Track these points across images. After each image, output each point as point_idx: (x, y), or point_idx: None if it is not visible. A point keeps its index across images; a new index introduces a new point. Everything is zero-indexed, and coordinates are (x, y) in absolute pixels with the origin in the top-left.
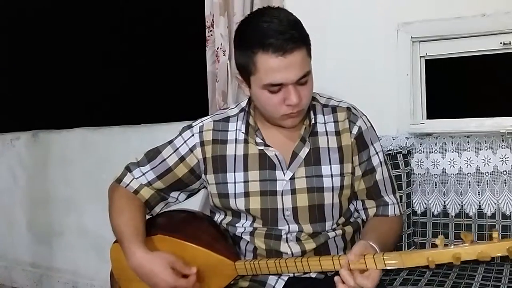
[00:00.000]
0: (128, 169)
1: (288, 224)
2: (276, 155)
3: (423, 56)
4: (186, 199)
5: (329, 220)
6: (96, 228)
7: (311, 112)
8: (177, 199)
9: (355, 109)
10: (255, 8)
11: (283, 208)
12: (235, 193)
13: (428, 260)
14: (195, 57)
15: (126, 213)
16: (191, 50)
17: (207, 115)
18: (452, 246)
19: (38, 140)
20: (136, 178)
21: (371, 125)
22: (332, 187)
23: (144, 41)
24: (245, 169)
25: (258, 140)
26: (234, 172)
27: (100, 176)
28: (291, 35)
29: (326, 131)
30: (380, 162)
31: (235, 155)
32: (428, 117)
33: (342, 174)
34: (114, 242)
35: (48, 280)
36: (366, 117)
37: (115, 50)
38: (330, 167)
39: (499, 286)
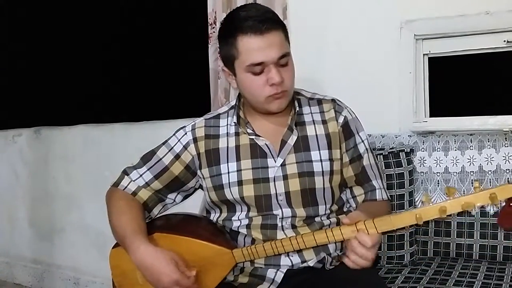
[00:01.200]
0: (125, 172)
1: (281, 209)
2: (266, 144)
3: (426, 54)
4: (182, 200)
5: (321, 204)
6: (97, 224)
7: (296, 103)
8: (174, 200)
9: (340, 101)
10: (250, 8)
11: (276, 194)
12: (229, 183)
13: (416, 217)
14: (198, 54)
15: (126, 213)
16: (194, 47)
17: (209, 111)
18: (437, 202)
19: (40, 136)
20: (134, 181)
21: (356, 116)
22: (322, 171)
23: (146, 38)
24: (238, 158)
25: (249, 130)
26: (227, 162)
27: (102, 173)
28: (266, 17)
29: (313, 120)
30: (366, 149)
31: (227, 147)
32: (431, 115)
33: (331, 159)
34: (113, 248)
35: (50, 277)
36: (350, 109)
37: (117, 47)
38: (319, 153)
39: (501, 284)
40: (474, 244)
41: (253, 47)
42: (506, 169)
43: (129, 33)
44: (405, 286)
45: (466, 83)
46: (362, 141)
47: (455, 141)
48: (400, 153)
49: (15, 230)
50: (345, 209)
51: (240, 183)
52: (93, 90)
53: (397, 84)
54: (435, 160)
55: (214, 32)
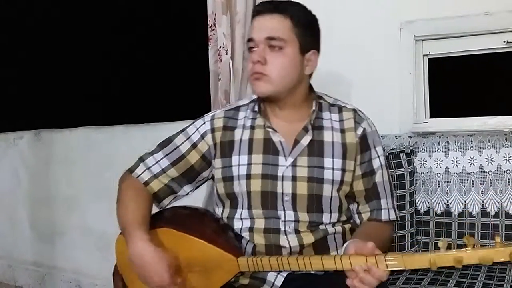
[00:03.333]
0: (141, 159)
1: (285, 211)
2: (280, 141)
3: (426, 55)
4: (193, 190)
5: (326, 211)
6: (99, 227)
7: (314, 104)
8: (187, 193)
9: (361, 112)
10: None
11: (282, 193)
12: (238, 175)
13: (430, 263)
14: (198, 56)
15: (133, 203)
16: (194, 49)
17: (211, 112)
18: (454, 250)
19: (41, 139)
20: (149, 168)
21: (376, 129)
22: (332, 180)
23: (146, 40)
24: (250, 152)
25: (267, 123)
26: (239, 155)
27: (103, 175)
28: (276, 4)
29: (332, 126)
30: (381, 165)
31: (241, 139)
32: (431, 116)
33: (343, 170)
34: (120, 234)
35: (51, 279)
36: (371, 121)
37: (117, 49)
38: (333, 161)
39: (502, 285)
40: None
41: (253, 25)
42: (507, 170)
43: (129, 36)
44: (406, 287)
45: (466, 83)
46: (378, 156)
47: (455, 142)
48: (401, 154)
49: (17, 233)
50: (352, 220)
51: (248, 176)
52: (94, 93)
53: (397, 85)
54: (435, 161)
55: (214, 34)
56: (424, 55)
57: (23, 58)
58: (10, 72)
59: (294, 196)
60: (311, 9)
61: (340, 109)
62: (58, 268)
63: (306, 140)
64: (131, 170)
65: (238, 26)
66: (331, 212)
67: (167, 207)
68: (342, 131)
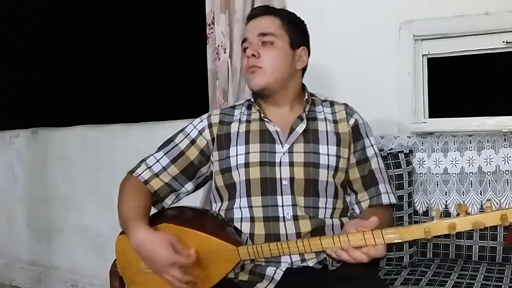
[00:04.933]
0: (142, 160)
1: (282, 195)
2: (276, 131)
3: (426, 55)
4: (194, 189)
5: (322, 196)
6: (95, 226)
7: (309, 97)
8: (188, 191)
9: (351, 106)
10: (256, 5)
11: (281, 178)
12: (237, 165)
13: (425, 232)
14: (196, 54)
15: (133, 200)
16: (192, 47)
17: (208, 112)
18: (447, 218)
19: (38, 137)
20: (150, 167)
21: (366, 122)
22: (328, 165)
23: (144, 39)
24: (247, 142)
25: (262, 115)
26: (236, 146)
27: (99, 174)
28: (266, 7)
29: (325, 118)
30: (375, 153)
31: (237, 132)
32: (430, 116)
33: (338, 156)
34: (120, 234)
35: (48, 278)
36: (360, 114)
37: (115, 48)
38: (327, 147)
39: (500, 285)
40: (474, 246)
41: (246, 29)
42: (506, 170)
43: (127, 34)
44: (404, 287)
45: (465, 83)
46: (371, 145)
47: (454, 142)
48: (399, 154)
49: (13, 232)
50: (348, 214)
51: (247, 165)
52: (91, 91)
53: (396, 84)
54: (434, 161)
55: (212, 32)
56: (423, 55)
57: (20, 56)
58: (7, 70)
59: (292, 180)
60: (310, 8)
61: (332, 104)
62: (54, 267)
63: (301, 127)
64: (132, 171)
65: (236, 24)
66: (326, 197)
67: (167, 207)
68: (335, 121)
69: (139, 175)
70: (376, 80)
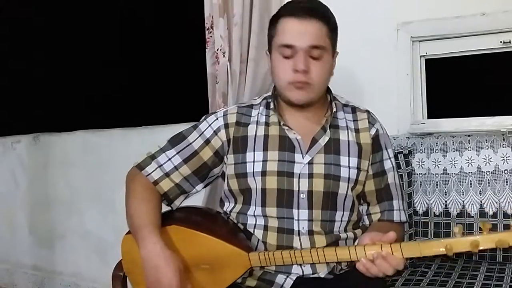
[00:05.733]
0: (152, 157)
1: (299, 209)
2: (297, 139)
3: (423, 56)
4: (203, 188)
5: (340, 210)
6: (97, 230)
7: (333, 105)
8: (197, 192)
9: (373, 114)
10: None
11: (299, 191)
12: (253, 172)
13: (447, 248)
14: (195, 58)
15: (146, 202)
16: (191, 51)
17: (223, 109)
18: (470, 236)
19: (39, 143)
20: (161, 166)
21: (386, 132)
22: (348, 178)
23: (144, 43)
24: (265, 148)
25: (282, 121)
26: (254, 151)
27: (101, 178)
28: (311, 7)
29: (347, 126)
30: (392, 167)
31: (255, 135)
32: (429, 116)
33: (358, 168)
34: (126, 234)
35: (50, 283)
36: (381, 123)
37: (115, 52)
38: (349, 159)
39: (501, 285)
40: None
41: (288, 28)
42: (505, 170)
43: (127, 38)
44: None
45: (463, 84)
46: (389, 158)
47: (453, 142)
48: (399, 154)
49: (15, 237)
50: (361, 224)
51: (264, 173)
52: (92, 96)
53: (394, 85)
54: (433, 162)
55: (211, 36)
56: (421, 56)
57: (21, 62)
58: (8, 76)
59: (310, 193)
60: None
61: (354, 110)
62: (57, 272)
63: (323, 140)
64: (141, 167)
65: (235, 28)
66: (343, 211)
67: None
68: (357, 130)
69: (149, 174)
70: (374, 81)
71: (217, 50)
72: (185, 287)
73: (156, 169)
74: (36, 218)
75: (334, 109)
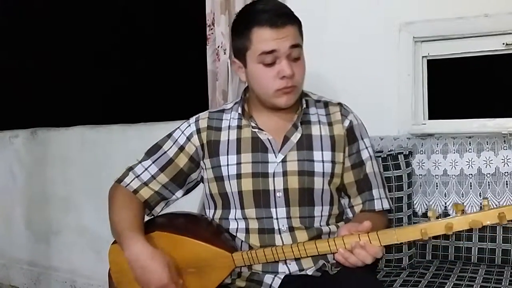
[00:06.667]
0: (129, 169)
1: (277, 208)
2: (268, 139)
3: (425, 56)
4: (184, 195)
5: (318, 205)
6: (94, 227)
7: (303, 101)
8: (178, 198)
9: (346, 106)
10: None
11: (274, 190)
12: (228, 175)
13: (422, 233)
14: (196, 55)
15: (126, 210)
16: (192, 48)
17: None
18: (443, 218)
19: (37, 138)
20: (138, 176)
21: (362, 122)
22: (323, 172)
23: (144, 39)
24: (238, 151)
25: (253, 124)
26: (227, 155)
27: (99, 174)
28: (283, 12)
29: (319, 120)
30: (370, 156)
31: (228, 139)
32: (430, 117)
33: (333, 162)
34: (113, 243)
35: (46, 279)
36: (356, 114)
37: (115, 48)
38: (322, 153)
39: (499, 287)
40: (473, 247)
41: (266, 37)
42: (505, 172)
43: (126, 35)
44: None
45: (465, 85)
46: (366, 147)
47: (454, 144)
48: (399, 155)
49: (12, 232)
50: (344, 217)
51: (239, 176)
52: (90, 91)
53: (396, 86)
54: (433, 163)
55: (212, 33)
56: (423, 57)
57: (19, 56)
58: (6, 70)
59: (286, 191)
60: (309, 9)
61: (326, 104)
62: (53, 268)
63: (295, 137)
64: (120, 180)
65: None
66: (322, 205)
67: (160, 214)
68: (330, 124)
69: (128, 184)
70: (375, 81)
71: (218, 47)
72: (177, 281)
73: (134, 179)
74: (32, 213)
75: (304, 106)
